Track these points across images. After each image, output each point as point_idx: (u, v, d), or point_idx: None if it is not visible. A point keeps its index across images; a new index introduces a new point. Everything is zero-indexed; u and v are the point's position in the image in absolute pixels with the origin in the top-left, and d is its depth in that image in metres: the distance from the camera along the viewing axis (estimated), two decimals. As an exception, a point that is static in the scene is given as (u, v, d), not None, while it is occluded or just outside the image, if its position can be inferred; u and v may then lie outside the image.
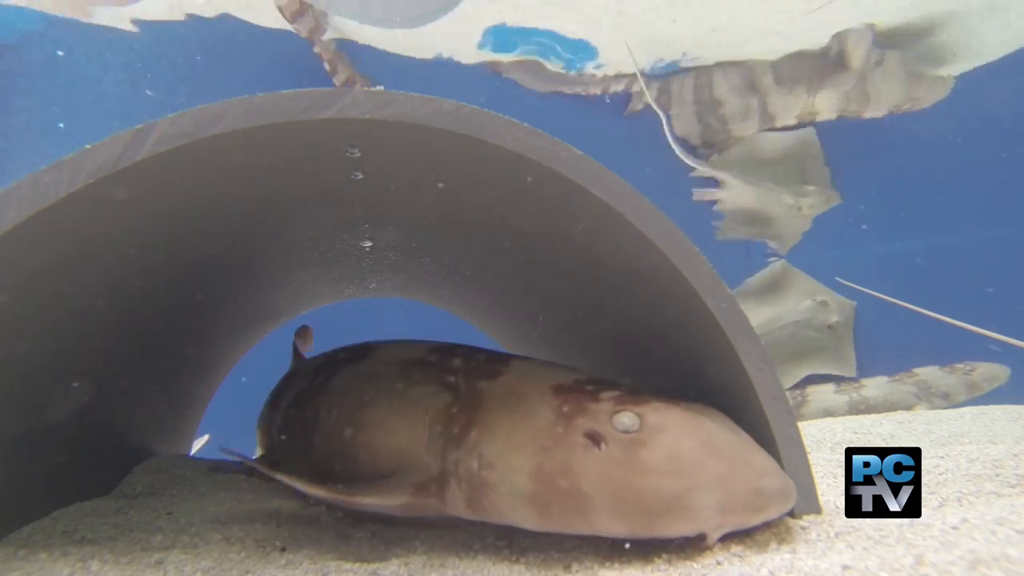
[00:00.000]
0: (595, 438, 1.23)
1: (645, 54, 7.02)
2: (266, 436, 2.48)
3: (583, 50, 6.86)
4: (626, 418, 1.23)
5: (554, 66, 7.11)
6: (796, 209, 7.54)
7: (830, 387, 6.09)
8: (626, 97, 7.53)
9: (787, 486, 1.19)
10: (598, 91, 7.36)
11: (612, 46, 6.77)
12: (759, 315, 7.07)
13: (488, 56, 6.88)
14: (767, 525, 1.33)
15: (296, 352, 2.85)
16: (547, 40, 6.68)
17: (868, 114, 7.32)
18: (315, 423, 1.90)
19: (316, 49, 6.29)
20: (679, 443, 1.19)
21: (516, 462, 1.31)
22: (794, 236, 8.01)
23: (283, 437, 2.18)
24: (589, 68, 7.16)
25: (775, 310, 7.02)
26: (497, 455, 1.35)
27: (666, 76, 7.33)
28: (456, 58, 6.85)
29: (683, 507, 1.15)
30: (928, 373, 6.00)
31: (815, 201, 7.50)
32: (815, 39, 6.78)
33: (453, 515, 1.48)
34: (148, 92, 6.58)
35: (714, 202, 7.76)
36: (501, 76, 7.08)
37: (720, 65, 7.21)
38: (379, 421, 1.68)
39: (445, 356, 1.74)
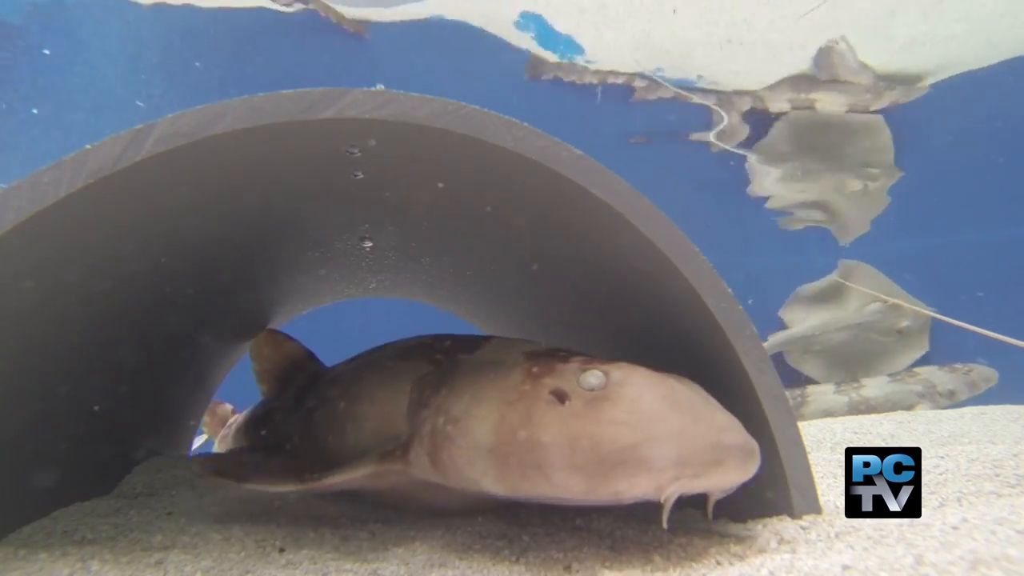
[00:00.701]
0: (560, 395, 1.23)
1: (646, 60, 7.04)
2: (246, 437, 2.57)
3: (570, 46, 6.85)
4: (592, 377, 1.23)
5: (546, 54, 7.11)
6: (863, 195, 7.37)
7: (830, 387, 6.09)
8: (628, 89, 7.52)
9: (748, 444, 1.15)
10: (594, 81, 7.35)
11: (600, 44, 6.76)
12: (816, 316, 6.88)
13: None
14: (767, 525, 1.33)
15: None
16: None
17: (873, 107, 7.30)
18: (318, 406, 1.98)
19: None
20: (639, 396, 1.18)
21: (479, 414, 1.31)
22: (859, 224, 7.80)
23: (264, 432, 2.30)
24: (579, 61, 7.13)
25: (835, 312, 6.78)
26: (462, 410, 1.36)
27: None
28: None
29: (639, 458, 1.12)
30: (930, 372, 6.00)
31: (882, 182, 7.28)
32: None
33: (419, 478, 1.48)
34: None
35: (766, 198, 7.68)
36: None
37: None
38: (367, 392, 1.75)
39: (439, 340, 1.80)
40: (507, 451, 1.24)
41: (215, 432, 3.60)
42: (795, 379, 6.95)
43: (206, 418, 3.85)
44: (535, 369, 1.33)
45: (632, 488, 1.13)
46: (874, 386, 5.93)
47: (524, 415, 1.24)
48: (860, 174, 7.45)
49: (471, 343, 1.66)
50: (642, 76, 7.21)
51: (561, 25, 6.59)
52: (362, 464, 1.52)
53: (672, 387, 1.20)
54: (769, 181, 7.88)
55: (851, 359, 6.78)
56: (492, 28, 6.85)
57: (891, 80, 6.91)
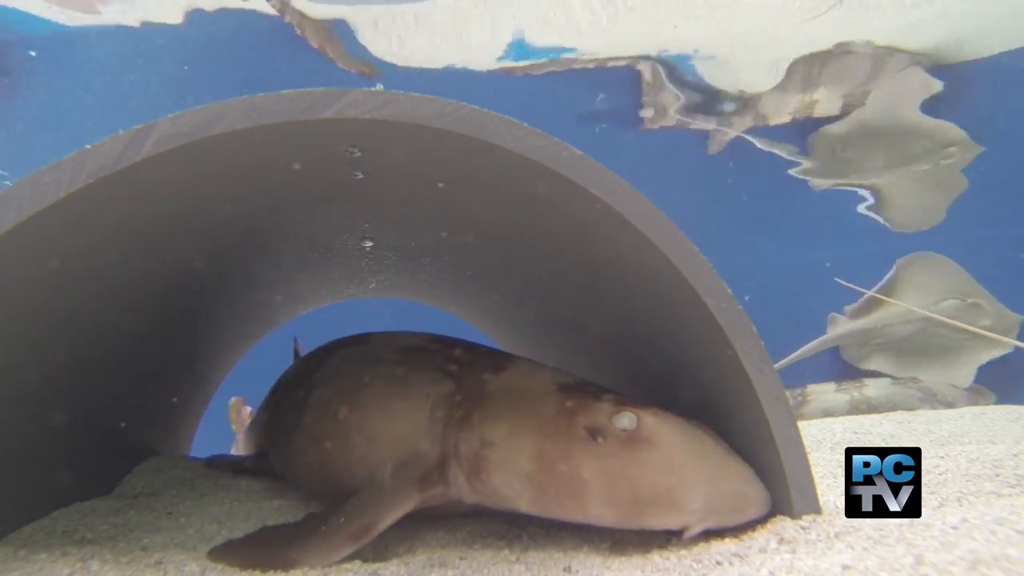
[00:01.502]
0: (593, 432, 1.34)
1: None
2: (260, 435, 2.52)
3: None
4: (625, 418, 1.33)
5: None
6: (934, 185, 7.01)
7: (831, 386, 6.07)
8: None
9: (766, 494, 1.30)
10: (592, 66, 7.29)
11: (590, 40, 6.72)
12: (880, 312, 6.59)
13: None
14: (767, 526, 1.33)
15: (296, 354, 2.88)
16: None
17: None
18: (306, 404, 1.93)
19: (287, 19, 6.18)
20: (674, 443, 1.30)
21: (518, 443, 1.40)
22: (930, 213, 7.45)
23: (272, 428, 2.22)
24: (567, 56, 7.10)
25: (903, 305, 6.40)
26: (501, 437, 1.44)
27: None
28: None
29: (672, 501, 1.26)
30: (932, 382, 5.99)
31: (959, 159, 6.84)
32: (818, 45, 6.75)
33: (456, 499, 1.52)
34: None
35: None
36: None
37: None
38: (378, 404, 1.70)
39: (447, 347, 1.80)
40: (546, 481, 1.35)
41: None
42: (852, 374, 6.74)
43: (233, 416, 3.88)
44: (569, 403, 1.42)
45: (660, 523, 1.28)
46: (876, 387, 5.92)
47: (563, 450, 1.35)
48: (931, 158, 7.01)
49: (493, 361, 1.67)
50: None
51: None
52: (404, 498, 1.48)
53: (701, 437, 1.33)
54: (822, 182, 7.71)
55: (915, 353, 6.50)
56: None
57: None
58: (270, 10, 6.06)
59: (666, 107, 7.48)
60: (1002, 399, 5.61)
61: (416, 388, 1.67)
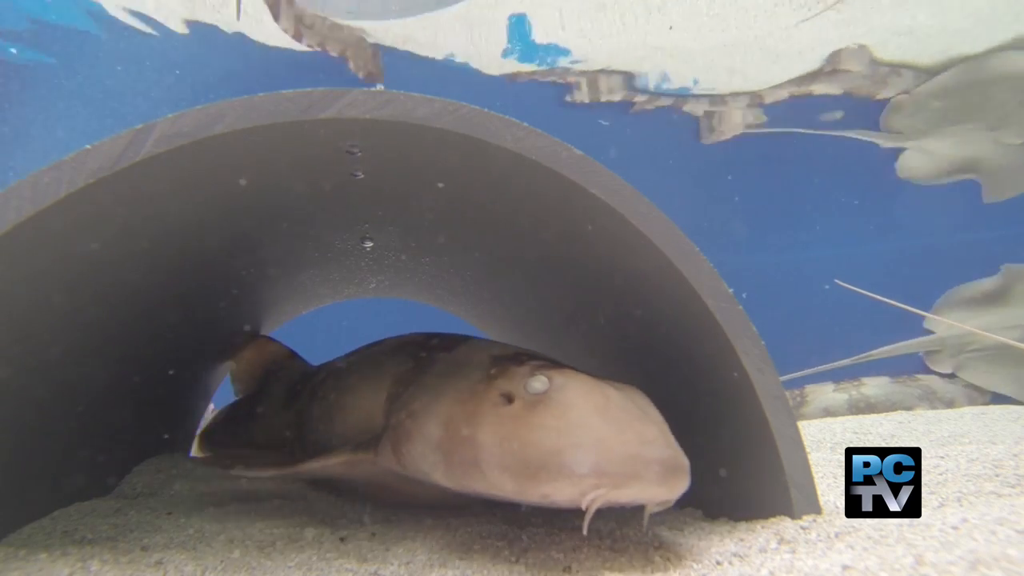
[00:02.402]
0: (509, 398, 1.28)
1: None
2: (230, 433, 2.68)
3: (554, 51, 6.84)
4: (537, 382, 1.26)
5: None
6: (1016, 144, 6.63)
7: (828, 386, 6.06)
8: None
9: (673, 459, 1.16)
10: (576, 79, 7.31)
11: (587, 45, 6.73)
12: (982, 316, 6.09)
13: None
14: (767, 526, 1.33)
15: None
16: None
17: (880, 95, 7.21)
18: (314, 399, 2.08)
19: (306, 42, 6.27)
20: (571, 403, 1.21)
21: (434, 411, 1.40)
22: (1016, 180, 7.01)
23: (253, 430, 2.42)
24: (563, 63, 7.11)
25: (1006, 312, 6.06)
26: (422, 407, 1.44)
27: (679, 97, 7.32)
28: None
29: (560, 464, 1.15)
30: (931, 380, 5.95)
31: None
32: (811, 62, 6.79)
33: (387, 468, 1.54)
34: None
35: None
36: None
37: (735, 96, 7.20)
38: (353, 385, 1.85)
39: (429, 338, 1.85)
40: (451, 447, 1.32)
41: None
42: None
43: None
44: (493, 371, 1.38)
45: (556, 492, 1.16)
46: (875, 385, 5.91)
47: (470, 414, 1.30)
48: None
49: (452, 342, 1.70)
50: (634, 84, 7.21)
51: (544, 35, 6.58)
52: (336, 454, 1.61)
53: (607, 396, 1.22)
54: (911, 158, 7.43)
55: (1016, 361, 5.76)
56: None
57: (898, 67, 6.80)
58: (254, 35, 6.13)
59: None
60: (996, 398, 5.58)
61: (385, 371, 1.74)
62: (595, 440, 1.15)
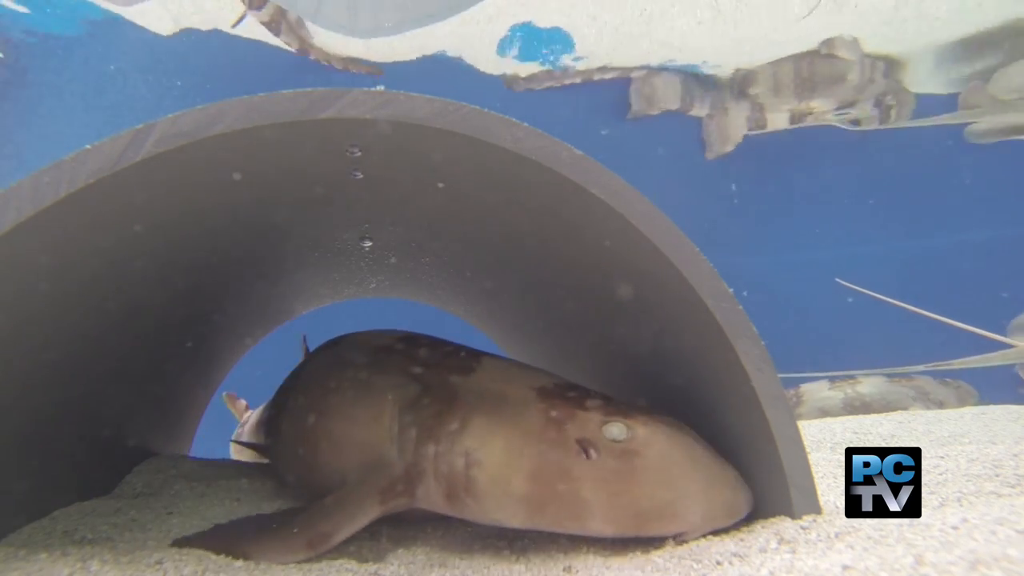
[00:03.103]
0: (586, 446, 1.32)
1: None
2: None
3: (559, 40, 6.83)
4: (615, 428, 1.33)
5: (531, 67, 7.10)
6: None
7: (823, 384, 6.07)
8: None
9: (751, 496, 1.35)
10: (578, 80, 7.32)
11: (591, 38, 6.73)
12: None
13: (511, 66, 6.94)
14: (767, 526, 1.33)
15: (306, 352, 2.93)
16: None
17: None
18: (284, 413, 1.98)
19: (312, 56, 6.32)
20: (669, 456, 1.31)
21: (511, 463, 1.35)
22: None
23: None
24: (566, 60, 7.10)
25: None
26: (488, 455, 1.37)
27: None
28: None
29: (673, 514, 1.28)
30: (924, 382, 5.99)
31: None
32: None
33: (424, 509, 1.49)
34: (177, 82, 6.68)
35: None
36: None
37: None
38: (342, 410, 1.68)
39: (411, 346, 1.77)
40: (543, 501, 1.32)
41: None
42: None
43: (231, 407, 4.10)
44: (554, 413, 1.39)
45: (660, 533, 1.30)
46: (870, 384, 5.91)
47: (560, 469, 1.32)
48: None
49: (460, 363, 1.62)
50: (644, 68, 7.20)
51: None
52: (364, 511, 1.46)
53: (691, 445, 1.35)
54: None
55: None
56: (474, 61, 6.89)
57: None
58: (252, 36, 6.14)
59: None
60: (984, 398, 5.63)
61: (379, 393, 1.62)
62: (700, 490, 1.29)
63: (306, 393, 1.90)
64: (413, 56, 6.82)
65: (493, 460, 1.37)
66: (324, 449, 1.69)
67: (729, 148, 7.91)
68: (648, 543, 1.36)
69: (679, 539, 1.29)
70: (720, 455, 1.38)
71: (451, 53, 6.89)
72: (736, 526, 1.40)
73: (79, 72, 6.59)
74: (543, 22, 6.48)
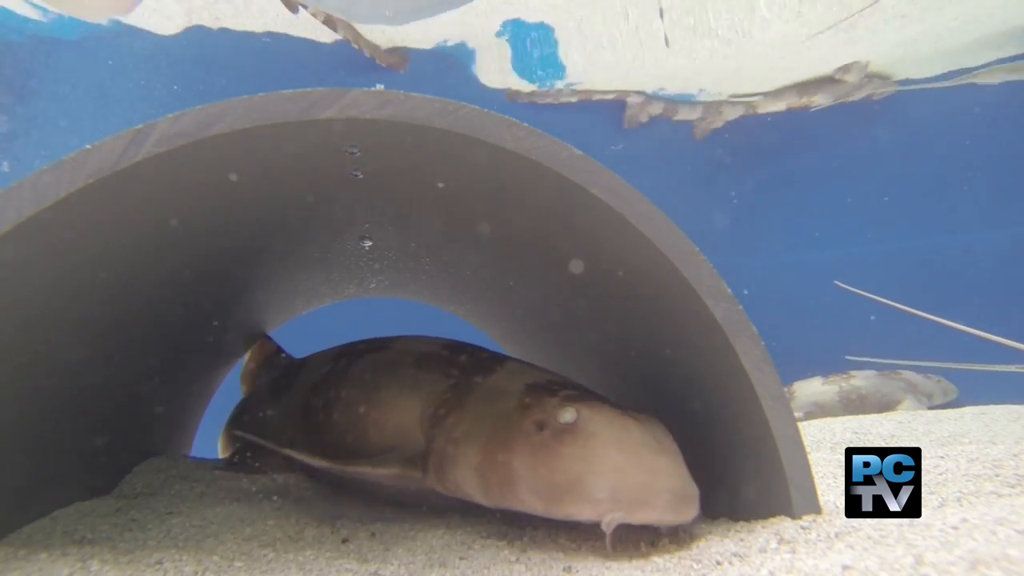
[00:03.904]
0: (541, 426, 1.40)
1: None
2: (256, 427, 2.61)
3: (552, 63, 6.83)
4: (567, 413, 1.38)
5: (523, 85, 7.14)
6: None
7: (816, 380, 6.11)
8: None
9: (682, 489, 1.30)
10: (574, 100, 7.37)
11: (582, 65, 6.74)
12: None
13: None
14: (767, 525, 1.33)
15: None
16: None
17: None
18: (332, 406, 2.13)
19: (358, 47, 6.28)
20: (594, 434, 1.34)
21: (474, 438, 1.51)
22: None
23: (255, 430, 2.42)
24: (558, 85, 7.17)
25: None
26: (463, 435, 1.56)
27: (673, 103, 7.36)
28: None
29: (581, 489, 1.29)
30: (910, 376, 6.09)
31: None
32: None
33: (430, 487, 1.65)
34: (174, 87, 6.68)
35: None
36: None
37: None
38: (389, 401, 1.91)
39: (456, 352, 1.93)
40: (488, 471, 1.44)
41: None
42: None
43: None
44: (527, 400, 1.49)
45: (579, 512, 1.30)
46: (863, 378, 5.98)
47: (505, 441, 1.43)
48: None
49: (487, 365, 1.79)
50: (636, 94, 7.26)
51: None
52: (387, 463, 1.72)
53: (627, 428, 1.35)
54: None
55: None
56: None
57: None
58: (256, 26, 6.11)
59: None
60: (964, 395, 5.74)
61: (420, 387, 1.84)
62: (612, 469, 1.29)
63: (359, 387, 2.07)
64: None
65: (462, 437, 1.55)
66: (372, 432, 1.91)
67: (718, 125, 7.95)
68: (649, 543, 1.36)
69: (604, 530, 1.27)
70: (678, 453, 1.36)
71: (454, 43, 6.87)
72: (736, 526, 1.40)
73: (81, 79, 6.59)
74: (536, 38, 6.51)
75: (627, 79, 7.02)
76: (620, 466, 1.29)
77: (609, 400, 1.49)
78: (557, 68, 6.85)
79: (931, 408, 5.43)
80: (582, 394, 1.49)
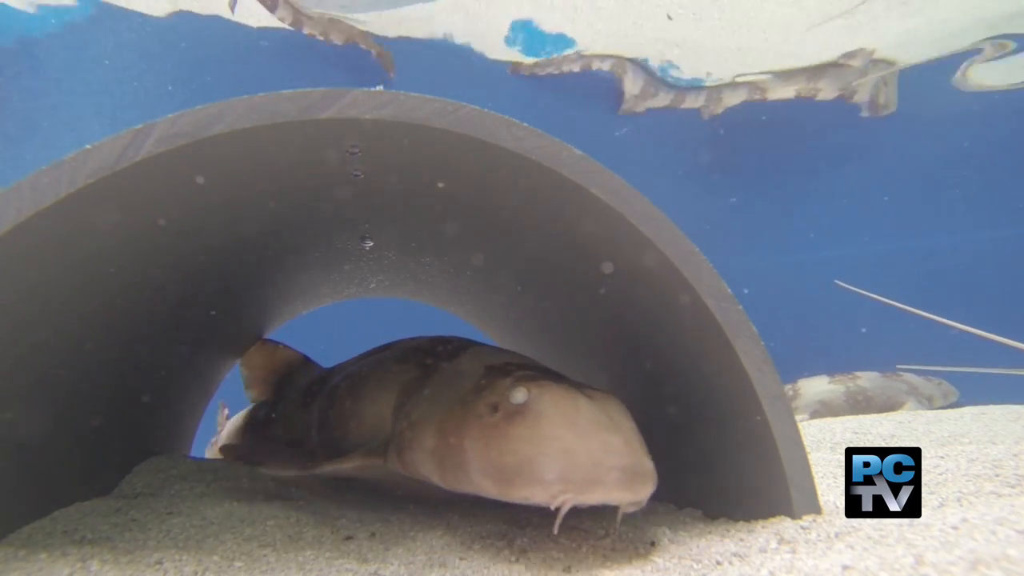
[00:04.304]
0: (494, 408, 1.36)
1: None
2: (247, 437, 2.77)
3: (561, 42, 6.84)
4: (519, 393, 1.33)
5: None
6: None
7: (823, 379, 6.15)
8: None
9: (634, 466, 1.23)
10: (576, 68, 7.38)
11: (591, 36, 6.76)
12: None
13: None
14: (767, 525, 1.33)
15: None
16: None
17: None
18: (331, 404, 2.18)
19: (306, 30, 6.26)
20: (542, 415, 1.29)
21: (429, 421, 1.52)
22: None
23: (276, 432, 2.52)
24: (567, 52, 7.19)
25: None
26: (419, 417, 1.57)
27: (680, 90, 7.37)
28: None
29: (530, 471, 1.24)
30: (910, 377, 6.15)
31: None
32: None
33: (394, 471, 1.67)
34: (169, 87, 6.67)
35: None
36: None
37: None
38: (368, 393, 1.96)
39: (435, 344, 1.95)
40: (443, 454, 1.44)
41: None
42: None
43: (220, 419, 3.99)
44: (483, 381, 1.47)
45: (532, 495, 1.25)
46: (868, 379, 6.03)
47: (458, 424, 1.41)
48: None
49: (454, 351, 1.81)
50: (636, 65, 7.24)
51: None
52: (350, 459, 1.77)
53: (577, 406, 1.29)
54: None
55: None
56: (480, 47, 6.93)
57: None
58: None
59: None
60: (965, 397, 5.74)
61: (395, 378, 1.88)
62: (561, 450, 1.23)
63: (352, 384, 2.12)
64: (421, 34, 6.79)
65: (419, 420, 1.56)
66: (352, 428, 1.96)
67: (721, 110, 7.97)
68: (648, 542, 1.36)
69: (556, 512, 1.23)
70: (632, 430, 1.30)
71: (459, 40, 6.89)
72: (736, 526, 1.40)
73: (74, 64, 6.57)
74: (547, 24, 6.51)
75: (629, 44, 7.00)
76: (568, 446, 1.24)
77: (567, 379, 1.45)
78: (564, 41, 6.84)
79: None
80: (536, 374, 1.44)
